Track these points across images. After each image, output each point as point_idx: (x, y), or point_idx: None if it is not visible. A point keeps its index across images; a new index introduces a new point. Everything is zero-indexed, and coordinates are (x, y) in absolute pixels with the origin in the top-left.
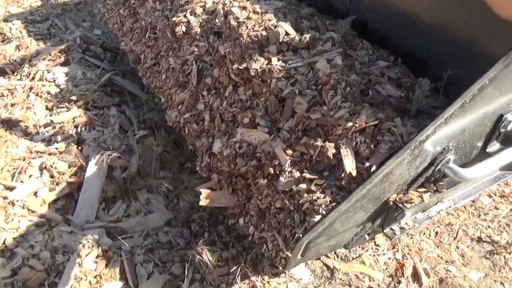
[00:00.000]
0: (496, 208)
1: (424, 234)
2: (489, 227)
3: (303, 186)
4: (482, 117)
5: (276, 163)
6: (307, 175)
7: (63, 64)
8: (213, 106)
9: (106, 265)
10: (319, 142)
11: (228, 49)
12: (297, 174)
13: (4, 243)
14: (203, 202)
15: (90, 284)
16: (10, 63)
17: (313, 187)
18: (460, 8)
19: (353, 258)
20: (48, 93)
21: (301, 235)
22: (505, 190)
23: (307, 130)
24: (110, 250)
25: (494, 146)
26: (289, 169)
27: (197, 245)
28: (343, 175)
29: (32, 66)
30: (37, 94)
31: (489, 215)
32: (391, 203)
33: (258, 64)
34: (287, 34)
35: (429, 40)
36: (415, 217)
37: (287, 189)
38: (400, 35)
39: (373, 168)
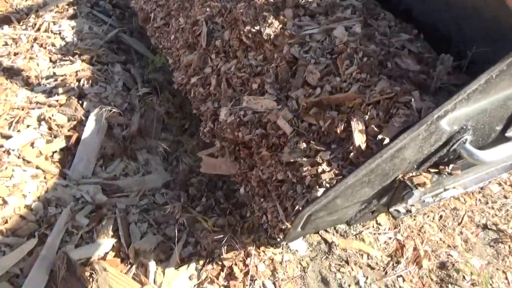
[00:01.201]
0: (505, 197)
1: (428, 216)
2: (496, 215)
3: (308, 158)
4: (505, 98)
5: (281, 133)
6: (314, 146)
7: (70, 17)
8: (221, 70)
9: (99, 222)
10: (330, 114)
11: (241, 10)
12: (303, 145)
13: None
14: (203, 169)
15: (82, 239)
16: (17, 12)
17: (318, 159)
18: None
19: (352, 235)
20: (53, 45)
21: (301, 208)
22: None
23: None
24: (105, 207)
25: None
26: (295, 140)
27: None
28: (351, 148)
29: (38, 17)
30: (41, 45)
31: (497, 204)
32: (400, 181)
33: (272, 27)
34: None
35: (455, 16)
36: (424, 200)
37: (292, 160)
38: (424, 9)
39: (386, 141)
